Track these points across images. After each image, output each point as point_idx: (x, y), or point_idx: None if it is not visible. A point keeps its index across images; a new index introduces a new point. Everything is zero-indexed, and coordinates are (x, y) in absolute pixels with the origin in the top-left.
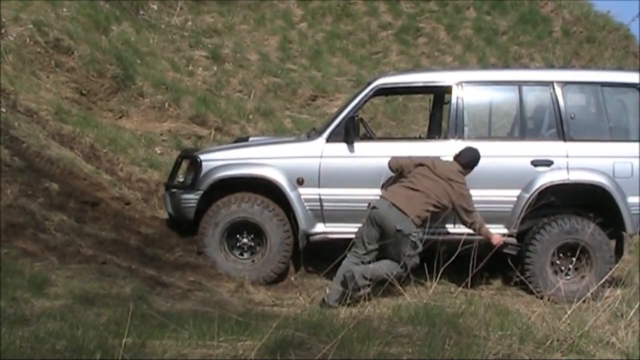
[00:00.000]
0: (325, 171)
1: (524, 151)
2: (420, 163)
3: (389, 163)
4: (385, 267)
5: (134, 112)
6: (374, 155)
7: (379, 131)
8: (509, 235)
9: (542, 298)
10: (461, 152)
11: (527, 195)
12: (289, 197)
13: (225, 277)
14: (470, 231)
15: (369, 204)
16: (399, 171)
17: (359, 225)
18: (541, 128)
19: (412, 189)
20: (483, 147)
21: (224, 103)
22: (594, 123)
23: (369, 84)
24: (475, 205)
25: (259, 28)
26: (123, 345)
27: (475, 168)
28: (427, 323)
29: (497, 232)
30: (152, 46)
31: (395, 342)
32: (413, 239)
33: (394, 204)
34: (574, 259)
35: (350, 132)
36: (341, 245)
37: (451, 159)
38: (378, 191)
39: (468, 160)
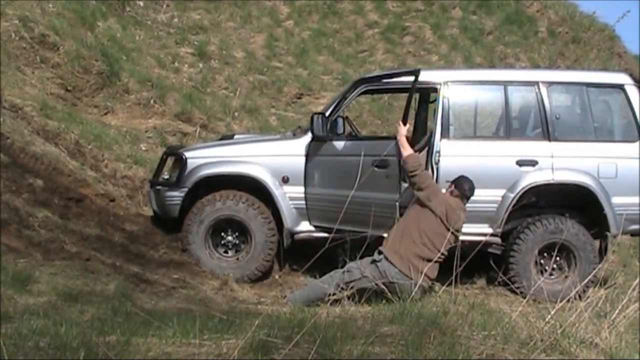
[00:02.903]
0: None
1: (509, 151)
2: (433, 208)
3: (411, 158)
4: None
5: (119, 109)
6: (360, 154)
7: (365, 130)
8: (493, 235)
9: (525, 298)
10: (464, 185)
11: (512, 195)
12: (274, 195)
13: (209, 274)
14: None
15: (384, 272)
16: (410, 180)
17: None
18: (526, 128)
19: (429, 260)
20: (468, 147)
21: (210, 100)
22: (579, 123)
23: (355, 82)
24: None
25: (245, 25)
26: (107, 343)
27: (461, 167)
28: (410, 322)
29: (481, 231)
30: (138, 43)
31: (378, 341)
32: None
33: (413, 279)
34: (558, 258)
35: (336, 130)
36: (326, 244)
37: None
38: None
39: (471, 193)
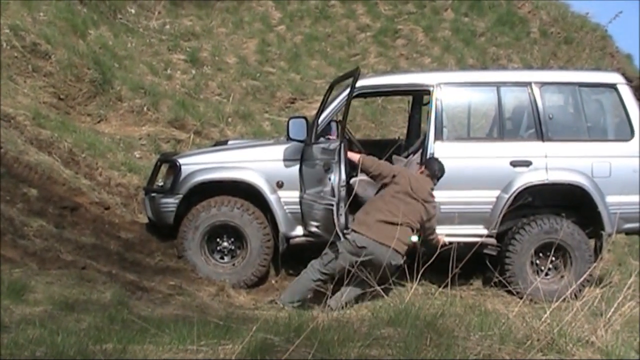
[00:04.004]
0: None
1: (503, 152)
2: (397, 182)
3: (364, 162)
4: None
5: (113, 117)
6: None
7: (358, 133)
8: (489, 236)
9: (522, 298)
10: (434, 165)
11: (507, 196)
12: (269, 200)
13: (205, 281)
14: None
15: (353, 242)
16: (376, 178)
17: None
18: (520, 129)
19: (394, 223)
20: (462, 148)
21: (203, 106)
22: (572, 123)
23: (330, 85)
24: (455, 206)
25: (237, 31)
26: (104, 351)
27: (455, 169)
28: (407, 324)
29: (476, 232)
30: (130, 50)
31: (375, 343)
32: (401, 264)
33: (383, 243)
34: (553, 258)
35: (330, 135)
36: (321, 248)
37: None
38: None
39: (442, 174)
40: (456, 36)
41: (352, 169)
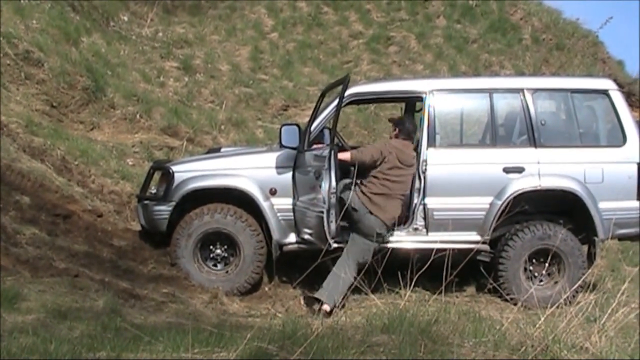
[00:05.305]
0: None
1: (496, 158)
2: (386, 160)
3: (356, 157)
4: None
5: (105, 124)
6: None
7: (351, 140)
8: (482, 242)
9: (515, 304)
10: (405, 125)
11: (500, 202)
12: (262, 208)
13: (199, 288)
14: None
15: (350, 201)
16: (370, 165)
17: None
18: (512, 135)
19: (390, 196)
20: (455, 155)
21: (196, 114)
22: (565, 129)
23: (322, 92)
24: (448, 213)
25: (230, 38)
26: (97, 359)
27: (448, 175)
28: (401, 331)
29: (470, 239)
30: (122, 57)
31: (370, 350)
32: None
33: (372, 213)
34: (547, 264)
35: (323, 142)
36: (314, 255)
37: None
38: None
39: (415, 130)
40: (448, 43)
41: (345, 175)
